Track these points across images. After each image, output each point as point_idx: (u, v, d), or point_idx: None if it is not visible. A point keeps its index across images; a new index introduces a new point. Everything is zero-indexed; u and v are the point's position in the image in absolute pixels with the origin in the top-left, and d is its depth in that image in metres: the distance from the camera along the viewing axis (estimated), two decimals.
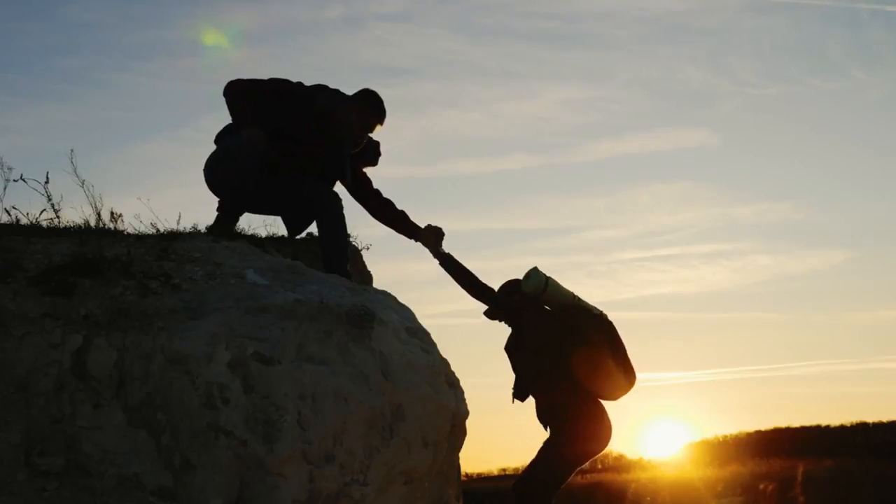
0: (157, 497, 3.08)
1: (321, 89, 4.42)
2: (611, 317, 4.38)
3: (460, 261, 4.57)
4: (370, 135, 4.48)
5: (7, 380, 3.20)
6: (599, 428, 4.19)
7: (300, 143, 4.27)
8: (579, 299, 4.37)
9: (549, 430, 4.22)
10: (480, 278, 4.54)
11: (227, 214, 4.42)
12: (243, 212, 4.50)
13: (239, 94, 4.24)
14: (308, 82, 4.46)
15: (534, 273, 4.33)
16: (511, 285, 4.47)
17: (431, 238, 4.59)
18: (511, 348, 4.40)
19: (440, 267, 4.55)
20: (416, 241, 4.63)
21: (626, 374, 4.21)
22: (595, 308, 4.34)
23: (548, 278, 4.32)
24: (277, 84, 4.31)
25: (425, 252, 4.60)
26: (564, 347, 4.17)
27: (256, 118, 4.20)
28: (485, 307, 4.47)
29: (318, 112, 4.33)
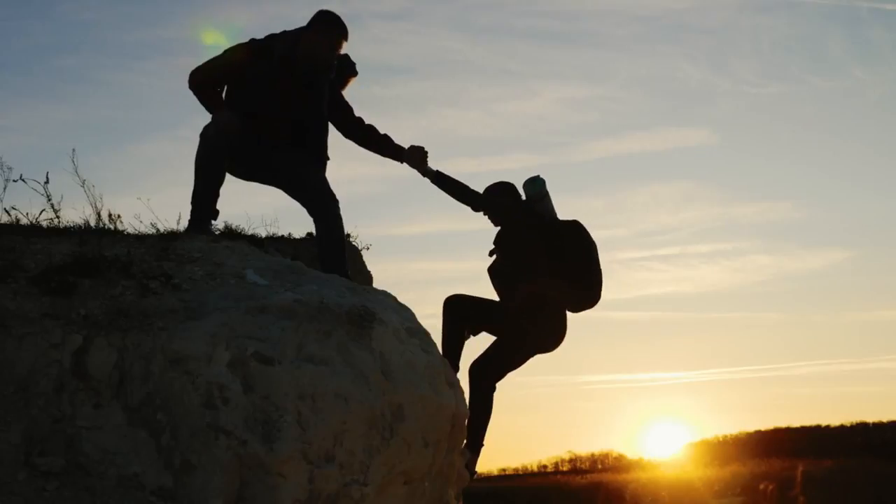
0: (157, 497, 3.08)
1: (272, 38, 4.44)
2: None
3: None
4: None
5: (7, 380, 3.19)
6: (563, 326, 4.52)
7: (274, 100, 4.33)
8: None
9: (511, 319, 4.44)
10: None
11: (203, 217, 4.31)
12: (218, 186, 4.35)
13: (200, 83, 4.35)
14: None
15: (540, 181, 4.58)
16: (501, 187, 4.72)
17: (416, 157, 4.67)
18: (498, 245, 4.65)
19: (432, 184, 4.63)
20: (402, 162, 4.70)
21: (596, 289, 4.52)
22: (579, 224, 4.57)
23: (547, 191, 4.58)
24: (230, 56, 4.37)
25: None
26: (549, 252, 4.44)
27: (228, 98, 4.34)
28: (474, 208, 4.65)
29: (281, 58, 4.36)
